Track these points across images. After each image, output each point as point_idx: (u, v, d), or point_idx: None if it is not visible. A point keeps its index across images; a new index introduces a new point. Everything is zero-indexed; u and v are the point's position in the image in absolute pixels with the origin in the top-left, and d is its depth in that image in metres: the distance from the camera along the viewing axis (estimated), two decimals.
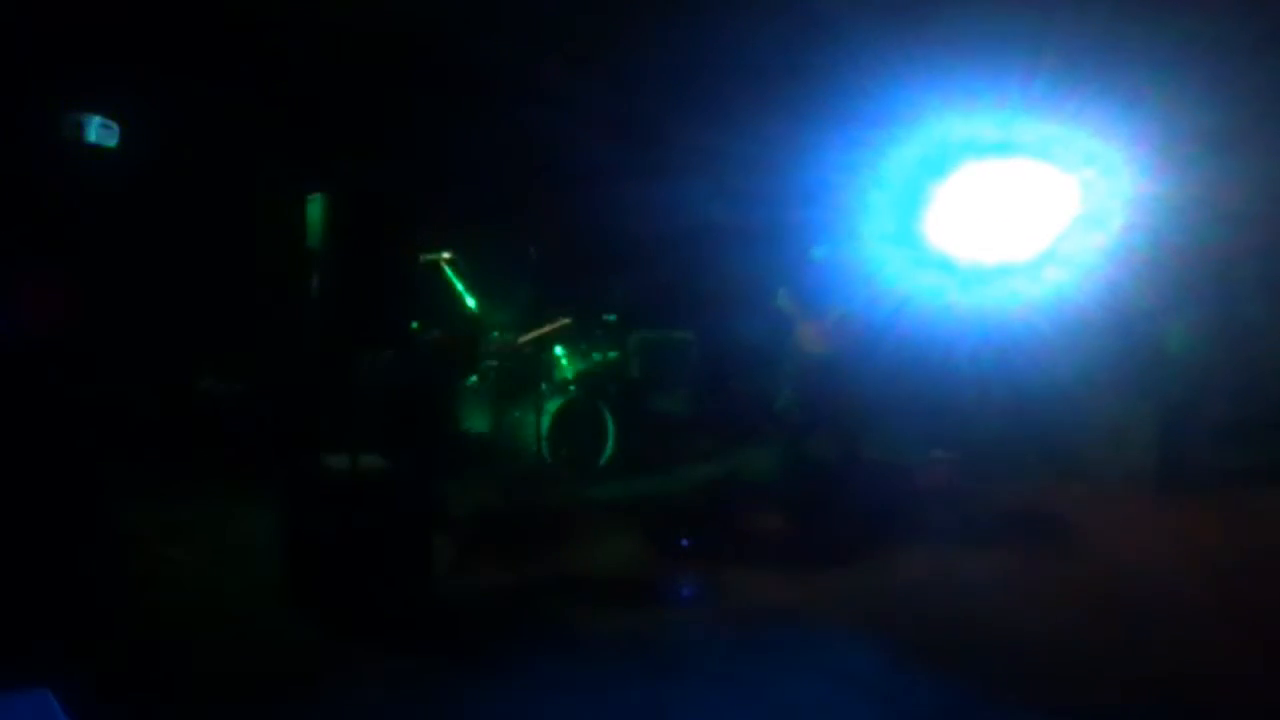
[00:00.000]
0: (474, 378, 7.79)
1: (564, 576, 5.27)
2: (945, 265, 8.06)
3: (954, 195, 8.41)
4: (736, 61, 7.99)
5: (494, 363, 7.60)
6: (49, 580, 4.58)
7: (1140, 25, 6.93)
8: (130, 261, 7.39)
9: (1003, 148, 8.09)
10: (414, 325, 5.91)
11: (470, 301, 7.51)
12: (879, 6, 6.85)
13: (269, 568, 4.91)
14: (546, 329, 7.97)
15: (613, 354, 8.22)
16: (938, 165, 8.34)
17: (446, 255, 7.44)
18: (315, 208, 4.67)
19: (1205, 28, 6.92)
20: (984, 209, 8.43)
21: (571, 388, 7.78)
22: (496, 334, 7.67)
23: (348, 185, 4.72)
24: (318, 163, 6.82)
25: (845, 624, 4.60)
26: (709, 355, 9.49)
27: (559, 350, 7.96)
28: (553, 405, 7.45)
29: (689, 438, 8.58)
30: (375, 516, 4.57)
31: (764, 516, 6.43)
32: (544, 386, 7.72)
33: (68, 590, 4.62)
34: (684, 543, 5.62)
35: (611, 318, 8.33)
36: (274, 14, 7.14)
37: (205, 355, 7.59)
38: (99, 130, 6.74)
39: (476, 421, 7.65)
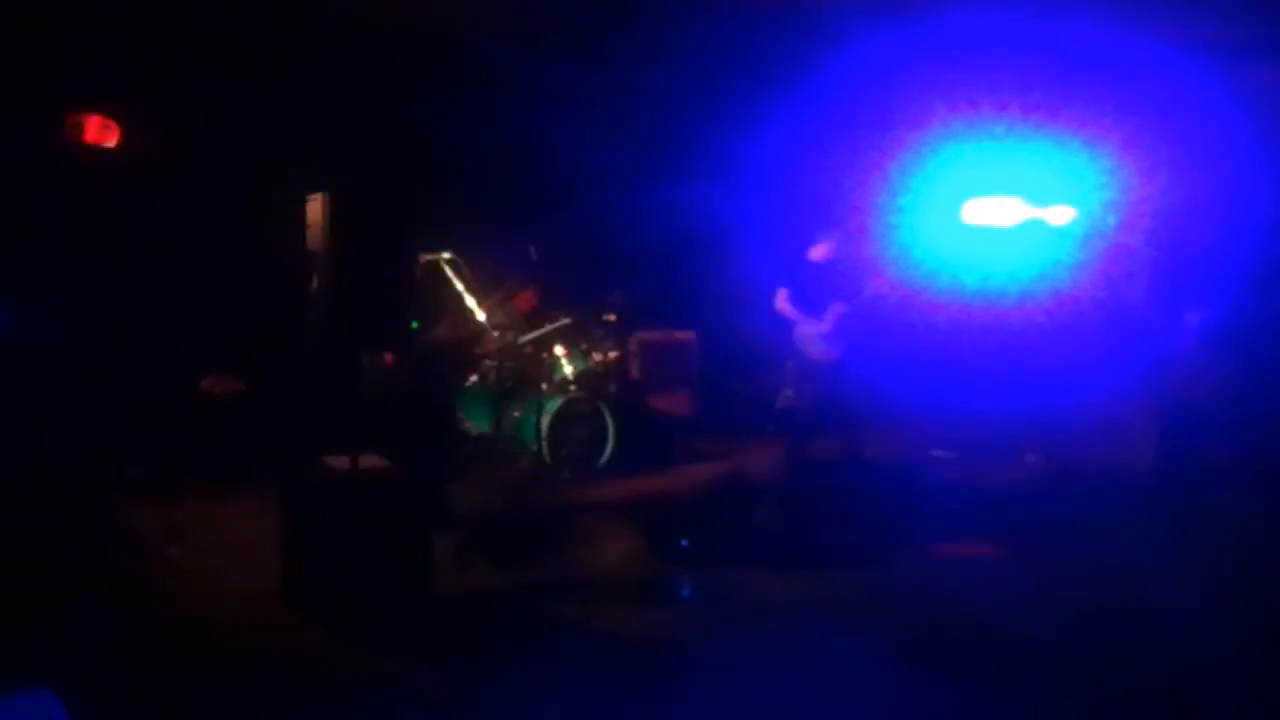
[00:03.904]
0: (474, 378, 7.79)
1: (564, 576, 5.26)
2: (945, 262, 8.08)
3: (952, 196, 8.43)
4: (736, 61, 8.00)
5: (494, 363, 7.59)
6: (50, 580, 4.58)
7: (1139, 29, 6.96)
8: (131, 261, 7.41)
9: (1002, 146, 8.11)
10: (414, 325, 5.91)
11: (470, 301, 7.51)
12: (880, 9, 6.86)
13: (269, 568, 4.91)
14: (546, 329, 7.97)
15: (613, 354, 8.22)
16: (938, 166, 8.35)
17: (446, 255, 7.44)
18: (315, 207, 4.67)
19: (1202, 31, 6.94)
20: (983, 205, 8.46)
21: (571, 388, 7.78)
22: (497, 334, 7.67)
23: (347, 185, 4.72)
24: (318, 162, 6.81)
25: (845, 624, 4.60)
26: (709, 355, 9.49)
27: (559, 350, 7.96)
28: (552, 405, 7.45)
29: (689, 438, 8.58)
30: (375, 517, 4.57)
31: (764, 516, 6.42)
32: (544, 386, 7.72)
33: (68, 590, 4.62)
34: (684, 543, 5.61)
35: (611, 318, 8.32)
36: (274, 13, 7.14)
37: (206, 355, 7.59)
38: (99, 130, 6.75)
39: (476, 421, 7.65)
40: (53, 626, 4.21)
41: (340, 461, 4.68)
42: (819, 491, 6.43)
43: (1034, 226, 8.33)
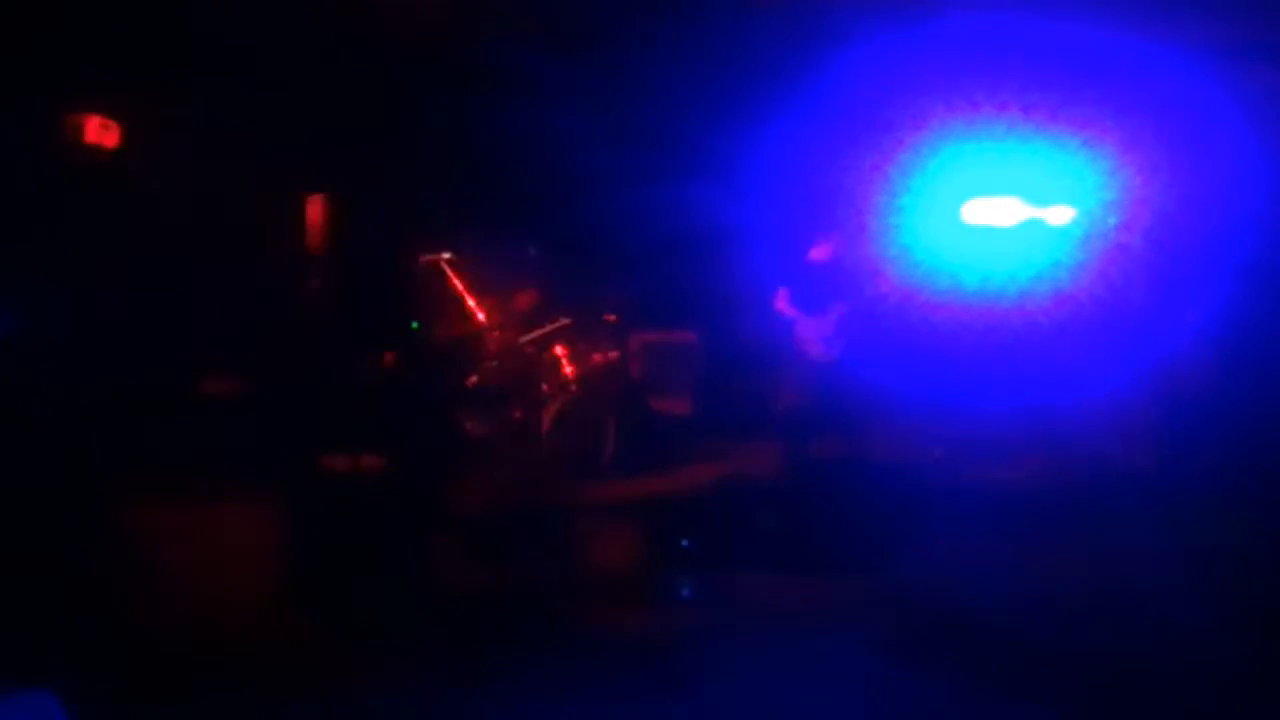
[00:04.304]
0: (474, 378, 7.79)
1: (564, 576, 5.26)
2: (945, 262, 8.08)
3: (951, 194, 8.42)
4: (737, 61, 7.99)
5: (494, 363, 7.59)
6: (50, 581, 4.58)
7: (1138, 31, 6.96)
8: (131, 261, 7.41)
9: (1002, 146, 8.11)
10: (414, 325, 5.92)
11: (470, 301, 7.51)
12: (880, 9, 6.87)
13: (269, 568, 4.91)
14: (546, 329, 7.97)
15: (613, 354, 8.22)
16: (939, 165, 8.35)
17: (446, 255, 7.43)
18: (315, 207, 4.68)
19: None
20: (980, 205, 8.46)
21: (571, 388, 7.78)
22: (497, 334, 7.67)
23: (347, 185, 4.72)
24: (318, 162, 6.81)
25: (845, 624, 4.60)
26: (709, 355, 9.49)
27: (559, 350, 7.96)
28: (552, 405, 7.45)
29: (689, 438, 8.57)
30: (375, 517, 4.57)
31: (764, 516, 6.42)
32: (544, 386, 7.72)
33: (69, 591, 4.62)
34: (684, 543, 5.61)
35: (611, 317, 8.32)
36: (274, 13, 7.14)
37: (206, 355, 7.59)
38: (99, 130, 6.75)
39: (477, 421, 7.65)
40: (53, 626, 4.21)
41: (340, 461, 4.68)
42: (819, 491, 6.42)
43: (1034, 226, 8.32)
